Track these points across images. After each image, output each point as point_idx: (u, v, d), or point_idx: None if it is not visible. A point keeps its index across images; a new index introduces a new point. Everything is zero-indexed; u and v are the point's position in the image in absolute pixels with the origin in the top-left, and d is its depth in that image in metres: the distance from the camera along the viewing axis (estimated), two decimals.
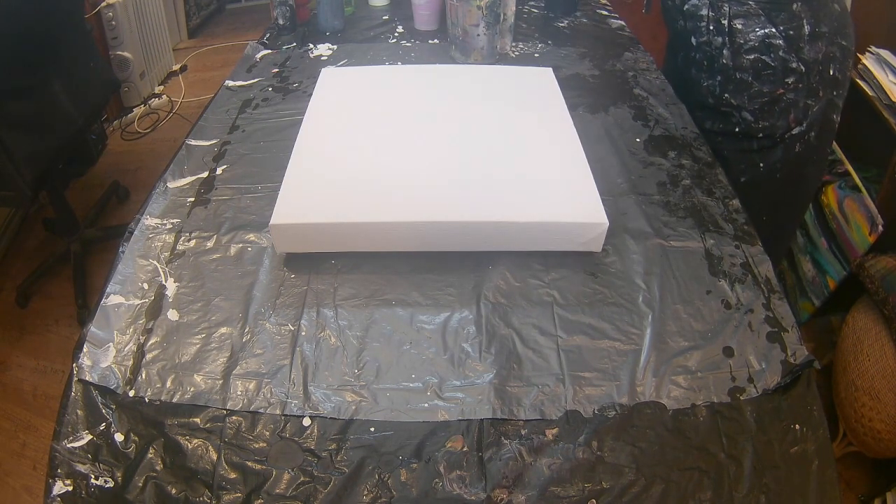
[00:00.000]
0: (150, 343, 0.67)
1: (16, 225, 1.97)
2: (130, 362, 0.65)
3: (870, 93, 1.32)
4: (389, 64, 1.22)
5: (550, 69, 1.06)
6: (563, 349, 0.66)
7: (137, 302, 0.71)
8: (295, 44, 1.30)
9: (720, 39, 1.08)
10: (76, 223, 1.80)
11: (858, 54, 1.35)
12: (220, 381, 0.63)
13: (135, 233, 0.80)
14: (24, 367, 1.58)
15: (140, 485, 0.56)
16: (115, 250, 0.78)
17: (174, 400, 0.62)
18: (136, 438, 0.59)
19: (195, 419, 0.60)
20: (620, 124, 1.02)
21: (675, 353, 0.65)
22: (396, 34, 1.35)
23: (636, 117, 1.04)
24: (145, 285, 0.73)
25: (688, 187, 0.88)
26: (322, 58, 1.25)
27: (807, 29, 1.01)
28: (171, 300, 0.71)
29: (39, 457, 1.37)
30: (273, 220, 0.73)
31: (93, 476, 0.56)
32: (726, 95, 1.10)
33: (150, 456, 0.58)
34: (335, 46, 1.29)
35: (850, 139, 1.17)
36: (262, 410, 0.61)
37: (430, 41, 1.32)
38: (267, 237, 0.78)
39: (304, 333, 0.68)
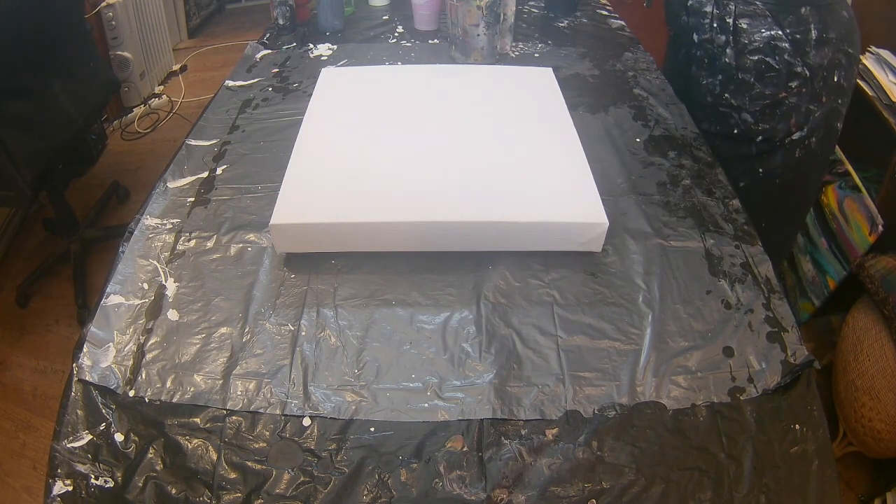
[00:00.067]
0: (150, 343, 0.67)
1: (16, 225, 1.97)
2: (130, 362, 0.65)
3: (870, 93, 1.32)
4: (389, 64, 1.22)
5: (550, 69, 1.06)
6: (563, 349, 0.66)
7: (137, 302, 0.71)
8: (295, 44, 1.30)
9: (723, 38, 1.06)
10: (76, 223, 1.80)
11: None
12: (220, 381, 0.63)
13: (135, 233, 0.80)
14: (24, 367, 1.58)
15: (140, 485, 0.56)
16: (115, 250, 0.78)
17: (174, 400, 0.62)
18: (136, 438, 0.59)
19: (195, 419, 0.60)
20: (620, 124, 1.02)
21: (675, 353, 0.66)
22: (396, 34, 1.35)
23: (636, 117, 1.04)
24: (145, 285, 0.73)
25: (688, 187, 0.88)
26: (322, 58, 1.25)
27: (814, 34, 1.00)
28: (171, 300, 0.71)
29: (39, 457, 1.37)
30: (273, 220, 0.73)
31: (93, 476, 0.56)
32: (726, 95, 1.09)
33: (150, 456, 0.58)
34: (335, 46, 1.29)
35: (850, 139, 1.17)
36: (262, 410, 0.61)
37: (430, 41, 1.32)
38: (267, 237, 0.78)
39: (304, 333, 0.68)
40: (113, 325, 0.68)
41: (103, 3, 2.24)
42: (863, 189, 1.31)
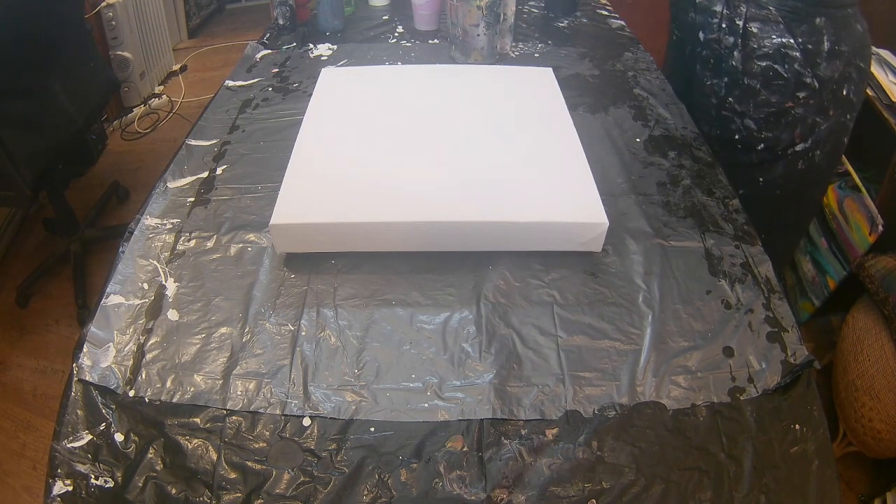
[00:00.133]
0: (150, 343, 0.67)
1: (16, 225, 1.97)
2: (130, 362, 0.65)
3: (870, 93, 1.31)
4: (389, 64, 1.22)
5: (550, 69, 1.06)
6: (563, 349, 0.66)
7: (137, 302, 0.71)
8: (295, 44, 1.30)
9: (731, 40, 1.03)
10: (76, 223, 1.80)
11: None
12: (220, 381, 0.63)
13: (135, 233, 0.80)
14: (24, 367, 1.58)
15: (140, 485, 0.56)
16: (115, 250, 0.78)
17: (174, 400, 0.62)
18: (136, 438, 0.59)
19: (195, 419, 0.60)
20: (620, 124, 1.02)
21: (675, 353, 0.66)
22: (396, 34, 1.35)
23: (636, 117, 1.04)
24: (145, 285, 0.73)
25: (688, 187, 0.88)
26: (322, 58, 1.25)
27: (826, 45, 0.96)
28: (171, 300, 0.71)
29: (39, 457, 1.37)
30: (273, 220, 0.73)
31: (93, 476, 0.56)
32: (730, 99, 1.06)
33: (150, 456, 0.58)
34: (335, 46, 1.29)
35: (850, 139, 1.17)
36: (262, 410, 0.61)
37: (430, 41, 1.32)
38: (267, 237, 0.78)
39: (304, 333, 0.68)
40: (113, 325, 0.68)
41: (103, 3, 2.25)
42: (863, 189, 1.31)
